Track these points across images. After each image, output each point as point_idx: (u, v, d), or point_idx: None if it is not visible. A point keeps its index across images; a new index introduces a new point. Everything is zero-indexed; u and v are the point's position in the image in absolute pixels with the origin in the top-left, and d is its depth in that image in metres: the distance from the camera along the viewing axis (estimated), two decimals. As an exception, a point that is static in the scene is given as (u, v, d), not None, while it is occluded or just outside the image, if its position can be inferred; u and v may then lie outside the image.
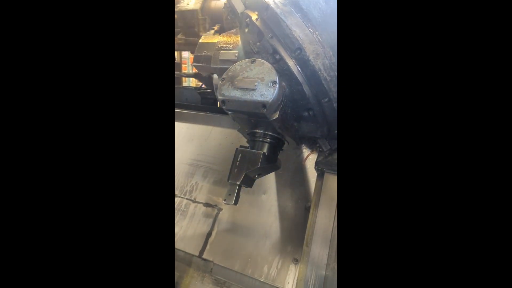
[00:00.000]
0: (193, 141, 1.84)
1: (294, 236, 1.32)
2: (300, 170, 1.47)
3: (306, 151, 1.51)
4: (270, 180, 1.49)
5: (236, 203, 0.90)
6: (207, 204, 1.55)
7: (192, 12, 1.30)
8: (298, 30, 0.72)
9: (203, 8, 1.26)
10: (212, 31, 1.06)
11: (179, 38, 1.44)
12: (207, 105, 1.97)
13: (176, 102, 2.13)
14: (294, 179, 1.46)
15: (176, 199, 1.62)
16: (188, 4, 1.33)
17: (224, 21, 1.01)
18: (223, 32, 0.97)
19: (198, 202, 1.57)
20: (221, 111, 1.88)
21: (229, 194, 0.90)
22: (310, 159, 1.47)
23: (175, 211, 1.57)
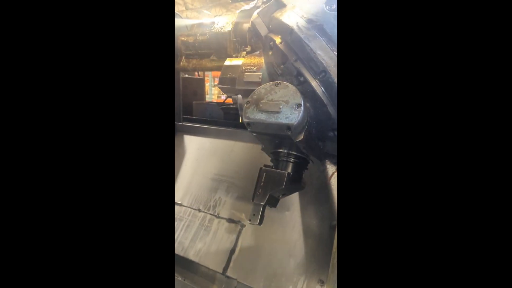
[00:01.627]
0: (216, 156, 1.87)
1: (319, 256, 1.28)
2: (325, 186, 1.44)
3: (330, 167, 1.48)
4: (293, 196, 1.47)
5: (261, 223, 0.90)
6: (230, 220, 1.55)
7: (225, 34, 1.35)
8: (323, 53, 0.73)
9: (235, 30, 1.30)
10: (244, 52, 1.10)
11: (211, 59, 1.49)
12: (230, 120, 2.02)
13: (199, 117, 2.20)
14: (319, 196, 1.43)
15: (200, 214, 1.64)
16: (221, 27, 1.38)
17: (248, 43, 1.04)
18: (254, 53, 1.01)
19: (222, 218, 1.58)
20: (243, 126, 1.91)
21: (254, 215, 0.90)
22: (336, 176, 1.44)
23: (199, 226, 1.60)
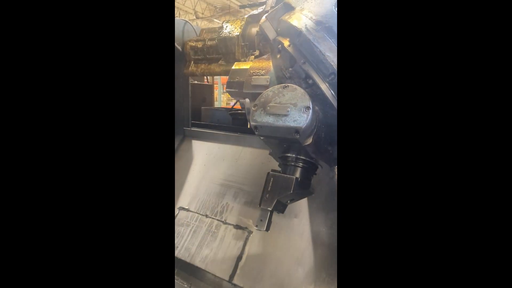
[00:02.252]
0: (224, 161, 1.86)
1: (329, 264, 1.24)
2: (334, 193, 1.41)
3: (339, 173, 1.45)
4: (302, 203, 1.44)
5: (268, 229, 0.87)
6: (237, 226, 1.53)
7: (233, 39, 1.35)
8: (332, 55, 0.71)
9: (243, 35, 1.30)
10: (253, 57, 1.09)
11: (220, 64, 1.49)
12: (238, 125, 2.01)
13: (208, 122, 2.20)
14: (328, 202, 1.39)
15: (207, 220, 1.63)
16: (230, 32, 1.38)
17: (256, 47, 1.04)
18: (262, 56, 1.00)
19: (229, 224, 1.56)
20: (251, 132, 1.90)
21: (261, 220, 0.88)
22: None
23: (206, 232, 1.58)
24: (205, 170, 1.86)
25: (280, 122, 0.74)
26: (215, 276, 1.39)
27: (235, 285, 1.33)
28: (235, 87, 1.00)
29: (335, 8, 0.73)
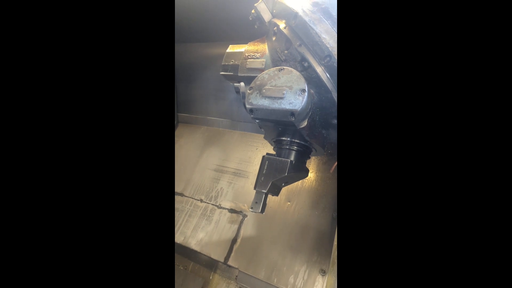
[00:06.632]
0: (219, 147, 1.87)
1: (321, 246, 1.28)
2: (327, 177, 1.44)
3: (333, 157, 1.47)
4: (295, 186, 1.47)
5: (262, 211, 0.89)
6: (232, 210, 1.56)
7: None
8: (328, 37, 0.71)
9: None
10: None
11: None
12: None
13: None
14: (321, 186, 1.42)
15: (202, 204, 1.65)
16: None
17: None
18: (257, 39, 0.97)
19: (223, 208, 1.58)
20: (245, 117, 1.90)
21: (256, 202, 0.89)
22: (337, 166, 1.43)
23: (201, 216, 1.60)
24: (200, 155, 1.87)
25: (276, 105, 0.74)
26: (210, 258, 1.43)
27: (230, 266, 1.37)
28: (230, 70, 0.99)
29: (331, -11, 0.72)
